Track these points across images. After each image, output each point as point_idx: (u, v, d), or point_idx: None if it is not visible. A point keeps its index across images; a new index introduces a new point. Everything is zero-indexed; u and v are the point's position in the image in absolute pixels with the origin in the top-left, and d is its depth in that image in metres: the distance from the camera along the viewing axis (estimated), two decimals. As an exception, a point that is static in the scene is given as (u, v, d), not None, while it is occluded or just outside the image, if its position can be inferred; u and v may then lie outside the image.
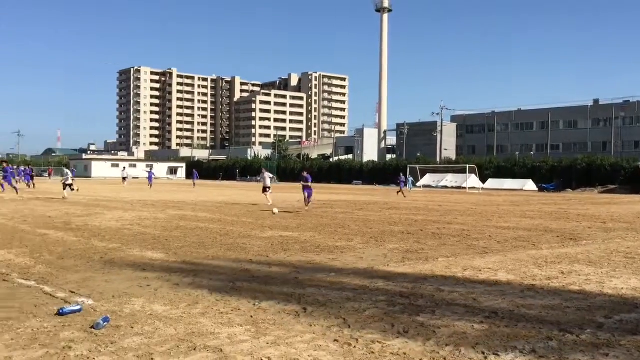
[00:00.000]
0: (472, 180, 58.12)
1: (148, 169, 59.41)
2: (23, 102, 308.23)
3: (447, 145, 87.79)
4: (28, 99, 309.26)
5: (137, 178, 79.85)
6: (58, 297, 6.50)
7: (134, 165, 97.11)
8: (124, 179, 54.13)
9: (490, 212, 22.81)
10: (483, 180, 60.52)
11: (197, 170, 64.45)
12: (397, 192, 38.43)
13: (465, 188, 55.67)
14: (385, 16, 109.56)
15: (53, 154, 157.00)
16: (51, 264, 8.79)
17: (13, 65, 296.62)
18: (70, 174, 28.49)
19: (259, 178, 24.62)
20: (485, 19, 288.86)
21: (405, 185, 50.48)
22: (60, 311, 5.69)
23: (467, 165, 59.04)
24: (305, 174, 22.17)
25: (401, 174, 42.86)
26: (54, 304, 6.13)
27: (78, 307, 5.86)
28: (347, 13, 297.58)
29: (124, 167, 63.38)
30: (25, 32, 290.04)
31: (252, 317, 5.73)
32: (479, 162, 64.34)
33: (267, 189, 24.29)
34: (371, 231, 14.39)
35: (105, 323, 5.30)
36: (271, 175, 24.78)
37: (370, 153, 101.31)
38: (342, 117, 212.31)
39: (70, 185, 27.64)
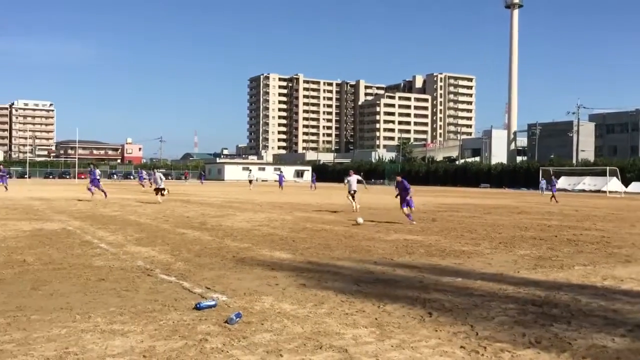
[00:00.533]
0: (613, 184, 54.03)
1: (278, 172, 61.41)
2: (164, 109, 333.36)
3: (585, 146, 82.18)
4: (169, 106, 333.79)
5: (266, 181, 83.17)
6: (195, 292, 6.94)
7: (263, 169, 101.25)
8: (250, 181, 56.54)
9: (634, 217, 21.06)
10: (626, 184, 56.03)
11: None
12: (551, 198, 33.66)
13: (605, 192, 51.88)
14: (516, 12, 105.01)
15: (191, 158, 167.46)
16: (189, 261, 9.40)
17: (156, 75, 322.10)
18: (162, 178, 27.52)
19: (346, 180, 22.91)
20: (623, 12, 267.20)
21: (544, 189, 47.59)
22: (198, 306, 6.06)
23: (608, 168, 54.96)
24: (399, 178, 18.13)
25: (553, 177, 39.34)
26: (191, 298, 6.55)
27: (213, 303, 6.21)
28: (474, 11, 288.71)
29: (250, 170, 66.08)
30: (166, 46, 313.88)
31: (376, 319, 5.75)
32: (621, 164, 59.73)
33: (353, 193, 21.28)
34: (500, 236, 13.85)
35: (238, 319, 5.57)
36: (359, 178, 22.88)
37: (498, 155, 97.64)
38: (469, 118, 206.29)
39: (162, 190, 26.99)
